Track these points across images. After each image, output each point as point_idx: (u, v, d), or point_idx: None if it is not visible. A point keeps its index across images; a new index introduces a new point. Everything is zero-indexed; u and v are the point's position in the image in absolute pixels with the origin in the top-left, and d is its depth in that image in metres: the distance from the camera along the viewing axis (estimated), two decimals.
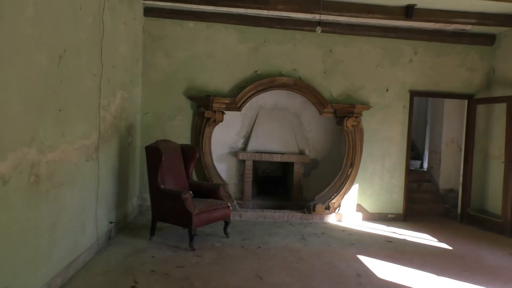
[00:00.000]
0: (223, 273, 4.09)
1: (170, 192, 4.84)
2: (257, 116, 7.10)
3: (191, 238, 4.73)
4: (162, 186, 4.91)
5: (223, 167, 7.05)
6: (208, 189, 5.39)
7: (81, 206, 3.95)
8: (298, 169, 7.10)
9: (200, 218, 4.77)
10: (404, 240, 5.75)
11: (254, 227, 5.95)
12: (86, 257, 4.12)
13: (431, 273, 4.43)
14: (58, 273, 3.48)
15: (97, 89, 4.30)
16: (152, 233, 5.09)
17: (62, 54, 3.37)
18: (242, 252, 4.78)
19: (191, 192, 4.79)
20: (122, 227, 5.44)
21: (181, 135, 6.53)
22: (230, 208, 5.26)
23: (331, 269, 4.39)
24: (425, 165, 9.01)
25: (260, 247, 5.02)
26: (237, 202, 6.75)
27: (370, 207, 6.90)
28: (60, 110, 3.39)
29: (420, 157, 9.23)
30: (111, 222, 4.94)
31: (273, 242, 5.25)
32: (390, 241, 5.63)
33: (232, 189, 7.11)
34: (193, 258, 4.46)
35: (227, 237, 5.31)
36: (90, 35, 4.01)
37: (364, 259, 4.76)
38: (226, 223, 5.32)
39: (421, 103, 8.94)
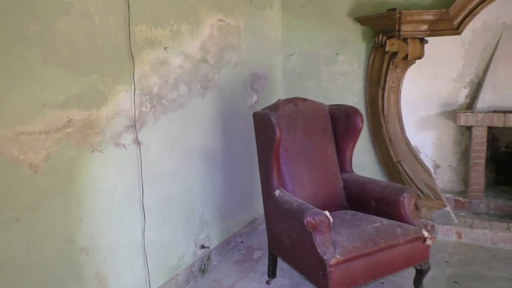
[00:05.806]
0: None
1: (287, 207, 2.35)
2: (497, 44, 3.68)
3: None
4: (277, 192, 2.48)
5: (427, 139, 4.02)
6: (379, 198, 2.63)
7: (73, 254, 1.92)
8: None
9: (347, 273, 2.15)
10: None
11: (486, 270, 2.89)
12: None
13: None
14: None
15: (124, 5, 2.12)
16: (272, 274, 2.77)
17: None
18: None
19: (327, 213, 2.17)
20: (240, 242, 3.33)
21: (347, 87, 3.84)
22: (428, 242, 2.40)
23: None
24: None
25: None
26: (454, 200, 3.78)
27: None
28: None
29: None
30: (202, 247, 2.87)
31: None
32: None
33: (444, 176, 4.03)
34: None
35: None
36: None
37: None
38: (420, 272, 2.51)
39: None
